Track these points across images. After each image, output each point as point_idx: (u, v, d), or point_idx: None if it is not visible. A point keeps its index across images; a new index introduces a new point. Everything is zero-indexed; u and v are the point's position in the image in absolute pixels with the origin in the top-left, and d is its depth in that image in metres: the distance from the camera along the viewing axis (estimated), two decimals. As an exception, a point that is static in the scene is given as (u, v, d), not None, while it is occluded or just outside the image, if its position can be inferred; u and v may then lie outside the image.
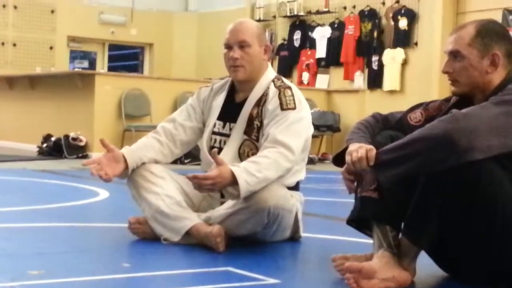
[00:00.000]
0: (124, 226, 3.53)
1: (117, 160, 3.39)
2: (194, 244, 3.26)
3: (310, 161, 9.66)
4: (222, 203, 3.41)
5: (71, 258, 3.04)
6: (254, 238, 3.31)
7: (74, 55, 16.35)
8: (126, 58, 17.55)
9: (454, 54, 2.67)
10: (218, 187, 3.15)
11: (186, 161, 8.95)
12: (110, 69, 15.99)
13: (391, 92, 13.10)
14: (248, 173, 3.10)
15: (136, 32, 16.30)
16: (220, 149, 3.45)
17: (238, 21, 3.56)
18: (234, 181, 3.10)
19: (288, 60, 14.54)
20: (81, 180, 6.77)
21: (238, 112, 3.46)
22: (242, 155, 3.39)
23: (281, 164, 3.21)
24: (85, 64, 16.48)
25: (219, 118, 3.53)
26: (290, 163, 3.26)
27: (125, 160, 3.40)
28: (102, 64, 16.38)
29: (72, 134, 10.49)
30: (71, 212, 4.65)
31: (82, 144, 10.52)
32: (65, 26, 15.22)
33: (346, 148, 2.65)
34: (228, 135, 3.47)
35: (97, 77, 10.70)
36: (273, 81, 3.47)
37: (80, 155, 10.44)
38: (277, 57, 14.43)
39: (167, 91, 11.16)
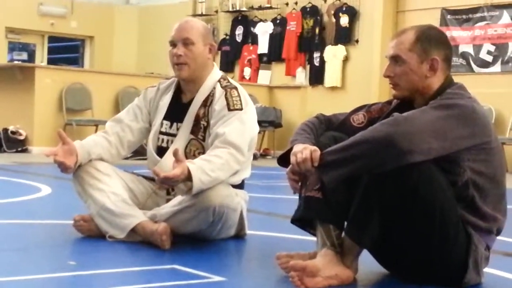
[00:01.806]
0: (68, 223, 3.52)
1: (71, 152, 3.38)
2: (139, 241, 3.28)
3: (252, 157, 9.69)
4: (167, 200, 3.45)
5: (14, 257, 3.02)
6: (199, 235, 3.35)
7: (12, 47, 16.08)
8: (66, 51, 17.33)
9: (394, 59, 2.75)
10: (178, 183, 3.18)
11: (129, 155, 8.93)
12: (50, 61, 15.77)
13: (333, 88, 13.27)
14: (203, 171, 3.14)
15: (76, 25, 16.12)
16: (166, 148, 3.49)
17: (184, 19, 3.60)
18: (187, 177, 3.13)
19: (230, 55, 14.59)
20: (22, 175, 6.70)
21: (185, 112, 3.49)
22: (188, 154, 3.43)
23: (231, 166, 3.27)
24: (24, 56, 16.23)
25: (166, 118, 3.55)
26: (240, 165, 3.32)
27: (77, 155, 3.40)
28: (41, 56, 16.16)
29: (11, 128, 10.35)
30: (12, 208, 4.61)
31: (21, 138, 10.39)
32: (3, 17, 14.98)
33: (291, 149, 2.70)
34: (175, 135, 3.51)
35: (37, 70, 10.59)
36: (219, 81, 3.51)
37: (19, 149, 10.32)
38: (219, 52, 14.44)
39: (108, 85, 11.10)
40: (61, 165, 3.33)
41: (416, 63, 2.72)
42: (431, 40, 2.73)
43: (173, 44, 3.48)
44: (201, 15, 15.19)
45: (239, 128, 3.34)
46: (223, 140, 3.30)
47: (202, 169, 3.15)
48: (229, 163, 3.25)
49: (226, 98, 3.41)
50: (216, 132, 3.33)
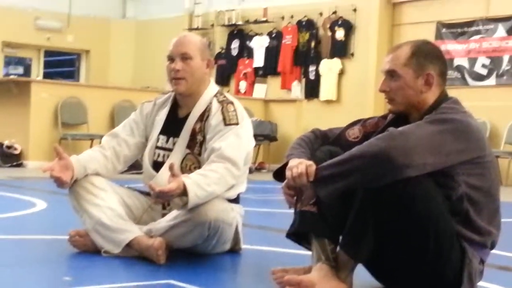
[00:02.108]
0: (64, 238, 3.52)
1: (67, 167, 3.38)
2: (134, 256, 3.28)
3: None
4: (163, 215, 3.45)
5: (9, 272, 3.01)
6: (195, 250, 3.35)
7: (8, 61, 16.09)
8: (62, 65, 17.35)
9: (390, 74, 2.76)
10: (173, 198, 3.17)
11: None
12: (46, 75, 15.79)
13: (328, 102, 13.30)
14: (198, 186, 3.15)
15: (72, 39, 16.14)
16: (163, 163, 3.49)
17: (182, 34, 3.63)
18: (183, 192, 3.13)
19: (225, 69, 14.62)
20: (17, 189, 6.70)
21: (181, 127, 3.50)
22: (184, 169, 3.43)
23: (227, 181, 3.28)
24: (20, 70, 16.24)
25: (162, 133, 3.56)
26: (235, 180, 3.33)
27: (73, 169, 3.40)
28: (37, 71, 16.17)
29: (6, 142, 10.34)
30: (7, 223, 4.59)
31: (16, 152, 10.39)
32: (0, 31, 14.98)
33: (286, 163, 2.71)
34: (171, 150, 3.51)
35: (33, 85, 10.60)
36: (215, 95, 3.52)
37: (14, 163, 10.30)
38: (215, 65, 14.48)
39: (104, 99, 11.11)
40: (57, 180, 3.33)
41: (412, 78, 2.73)
42: (426, 55, 2.74)
43: (171, 58, 3.50)
44: (197, 29, 15.23)
45: (235, 143, 3.35)
46: (219, 154, 3.30)
47: (197, 183, 3.15)
48: (224, 178, 3.26)
49: (223, 113, 3.42)
50: (212, 147, 3.34)
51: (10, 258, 3.36)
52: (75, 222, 3.54)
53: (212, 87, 3.57)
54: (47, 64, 16.63)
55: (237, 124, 3.40)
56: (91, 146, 10.41)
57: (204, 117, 3.48)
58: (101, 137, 9.97)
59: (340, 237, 2.70)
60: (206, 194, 3.17)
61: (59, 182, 3.34)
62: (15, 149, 10.38)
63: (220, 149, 3.31)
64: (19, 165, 10.32)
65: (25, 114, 10.44)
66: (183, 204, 3.18)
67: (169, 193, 3.09)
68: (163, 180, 3.38)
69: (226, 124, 3.39)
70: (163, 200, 3.25)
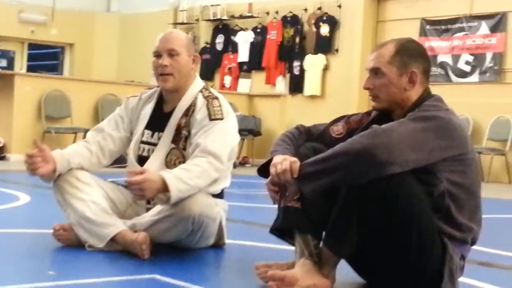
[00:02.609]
0: (48, 232, 3.53)
1: (47, 160, 3.38)
2: (119, 250, 3.29)
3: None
4: (148, 209, 3.46)
5: (-6, 266, 3.01)
6: (178, 244, 3.37)
7: (-8, 53, 16.03)
8: (46, 58, 17.29)
9: (374, 71, 2.79)
10: (148, 192, 3.18)
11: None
12: (29, 68, 15.73)
13: (312, 97, 13.33)
14: (180, 180, 3.17)
15: (56, 32, 16.09)
16: (147, 157, 3.51)
17: (168, 30, 3.66)
18: (165, 187, 3.15)
19: (210, 63, 14.62)
20: (0, 183, 6.66)
21: (166, 122, 3.52)
22: (169, 163, 3.45)
23: (210, 174, 3.29)
24: (3, 63, 16.17)
25: (147, 128, 3.58)
26: (218, 173, 3.34)
27: (55, 163, 3.40)
28: (21, 63, 16.10)
29: (-11, 135, 10.30)
30: (-9, 217, 4.58)
31: (0, 145, 10.33)
32: (-17, 24, 14.92)
33: (271, 160, 2.73)
34: (156, 144, 3.53)
35: (16, 78, 10.55)
36: (201, 91, 3.54)
37: (-2, 156, 10.26)
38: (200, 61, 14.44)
39: (88, 93, 11.08)
40: (32, 171, 3.32)
41: (396, 75, 2.75)
42: (410, 54, 2.77)
43: (158, 54, 3.51)
44: (182, 23, 15.22)
45: (219, 138, 3.37)
46: (202, 149, 3.32)
47: (179, 177, 3.17)
48: (207, 171, 3.28)
49: (208, 108, 3.44)
50: (196, 142, 3.36)
51: (-6, 252, 3.35)
52: (59, 216, 3.54)
53: (198, 83, 3.59)
54: (30, 57, 16.56)
55: (222, 119, 3.42)
56: (74, 140, 10.39)
57: (189, 112, 3.50)
58: (85, 130, 10.02)
59: (323, 233, 2.72)
60: (188, 187, 3.19)
61: (31, 168, 3.33)
62: (-2, 142, 10.34)
63: (203, 144, 3.33)
64: (2, 158, 10.28)
65: (8, 107, 10.39)
66: (166, 199, 3.20)
67: (134, 184, 3.10)
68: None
69: (211, 119, 3.41)
70: (139, 195, 3.23)
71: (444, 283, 2.66)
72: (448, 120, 2.67)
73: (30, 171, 3.35)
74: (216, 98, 3.51)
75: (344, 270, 2.84)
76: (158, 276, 2.87)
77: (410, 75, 2.75)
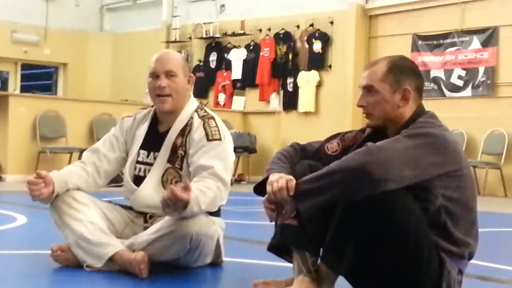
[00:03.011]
0: (45, 253, 3.53)
1: (47, 183, 3.40)
2: (117, 270, 3.30)
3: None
4: (145, 228, 3.47)
5: (-7, 288, 3.02)
6: (177, 263, 3.38)
7: (-15, 74, 16.04)
8: (39, 78, 17.31)
9: (367, 89, 2.82)
10: (179, 212, 3.14)
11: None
12: (23, 88, 15.73)
13: (306, 113, 13.37)
14: (197, 203, 3.15)
15: (49, 52, 16.12)
16: (144, 177, 3.53)
17: (164, 51, 3.69)
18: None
19: (204, 81, 14.65)
20: (-3, 204, 6.65)
21: (162, 142, 3.54)
22: (165, 183, 3.47)
23: (217, 202, 3.33)
24: (-3, 83, 16.19)
25: (142, 148, 3.60)
26: (224, 201, 3.38)
27: (53, 184, 3.42)
28: (14, 84, 16.11)
29: (-16, 156, 10.29)
30: (-12, 238, 4.58)
31: (-5, 166, 10.34)
32: (-23, 45, 14.94)
33: (267, 178, 2.75)
34: (151, 164, 3.55)
35: (11, 99, 10.56)
36: (196, 111, 3.57)
37: (-7, 177, 10.25)
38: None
39: (83, 113, 11.09)
40: (34, 191, 3.33)
41: (389, 93, 2.78)
42: (402, 71, 2.80)
43: (155, 75, 3.53)
44: (175, 41, 15.27)
45: (223, 162, 3.40)
46: (212, 172, 3.34)
47: (197, 200, 3.16)
48: (216, 198, 3.31)
49: (205, 128, 3.47)
50: (200, 164, 3.37)
51: (-8, 273, 3.36)
52: (57, 237, 3.55)
53: (192, 102, 3.61)
54: (24, 78, 16.58)
55: (220, 139, 3.45)
56: (70, 159, 10.40)
57: (185, 132, 3.52)
58: (80, 150, 10.03)
59: (321, 250, 2.74)
60: (199, 211, 3.21)
61: (36, 193, 3.35)
62: (-7, 163, 10.33)
63: (212, 168, 3.34)
64: (-2, 179, 10.28)
65: (3, 128, 10.40)
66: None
67: (178, 200, 3.05)
68: (143, 194, 3.44)
69: (209, 140, 3.43)
70: (172, 209, 3.14)
71: (442, 298, 2.68)
72: (442, 137, 2.69)
73: (33, 196, 3.37)
74: (212, 118, 3.54)
75: (342, 286, 2.85)
76: (156, 296, 2.89)
77: (403, 92, 2.78)
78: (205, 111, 3.59)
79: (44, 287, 3.08)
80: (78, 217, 3.41)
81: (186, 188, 3.08)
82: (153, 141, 3.57)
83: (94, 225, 3.40)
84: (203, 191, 3.24)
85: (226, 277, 3.51)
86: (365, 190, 2.52)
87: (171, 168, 3.50)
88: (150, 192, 3.46)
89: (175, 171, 3.50)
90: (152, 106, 3.66)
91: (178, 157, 3.50)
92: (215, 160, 3.37)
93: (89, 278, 3.23)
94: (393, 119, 2.80)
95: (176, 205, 3.07)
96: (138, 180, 3.56)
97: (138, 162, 3.60)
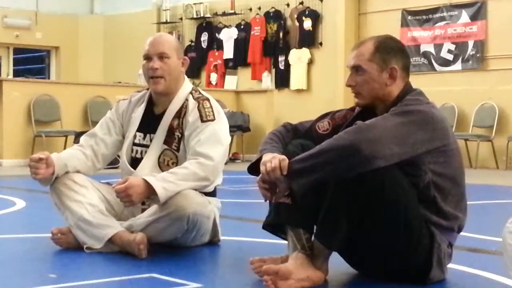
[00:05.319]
0: (46, 236, 3.59)
1: (49, 164, 3.47)
2: (117, 251, 3.37)
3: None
4: (143, 210, 3.53)
5: (-5, 271, 3.08)
6: (175, 243, 3.46)
7: (-23, 59, 16.02)
8: (31, 62, 17.30)
9: (356, 69, 2.88)
10: (135, 198, 3.30)
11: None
12: (15, 73, 15.73)
13: (298, 91, 13.42)
14: (164, 180, 3.30)
15: (41, 35, 16.11)
16: (141, 159, 3.60)
17: (158, 34, 3.77)
18: (151, 190, 3.27)
19: (196, 61, 14.65)
20: (-6, 189, 6.70)
21: (158, 124, 3.60)
22: (161, 164, 3.54)
23: (197, 173, 3.39)
24: (-11, 69, 16.17)
25: (139, 130, 3.66)
26: (208, 172, 3.43)
27: (54, 166, 3.49)
28: (7, 68, 16.10)
29: (-20, 142, 10.32)
30: (-12, 223, 4.63)
31: (-9, 151, 10.38)
32: (-33, 30, 14.91)
33: (260, 158, 2.81)
34: (148, 146, 3.61)
35: (4, 84, 10.57)
36: (191, 93, 3.63)
37: (-11, 162, 10.29)
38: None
39: (77, 96, 11.12)
40: (35, 169, 3.42)
41: (376, 72, 2.85)
42: (389, 50, 2.87)
43: (148, 58, 3.58)
44: (166, 22, 15.27)
45: (210, 138, 3.46)
46: (193, 152, 3.45)
47: (163, 178, 3.30)
48: (194, 171, 3.38)
49: (199, 110, 3.54)
50: (195, 150, 3.45)
51: (-5, 257, 3.42)
52: (56, 220, 3.61)
53: (187, 84, 3.67)
54: (16, 62, 16.56)
55: (213, 120, 3.52)
56: (65, 143, 10.45)
57: (181, 114, 3.58)
58: (75, 133, 10.08)
59: (314, 226, 2.82)
60: (174, 185, 3.30)
61: (37, 177, 3.44)
62: (-11, 148, 10.37)
63: (194, 147, 3.45)
64: (-7, 163, 10.34)
65: (-3, 113, 10.44)
66: (158, 199, 3.29)
67: (120, 192, 3.27)
68: (140, 176, 3.50)
69: (203, 121, 3.51)
70: (126, 201, 3.33)
71: (432, 271, 2.76)
72: (430, 113, 2.76)
73: (33, 174, 3.44)
74: (207, 99, 3.60)
75: (337, 262, 2.93)
76: (156, 275, 2.96)
77: (391, 71, 2.85)
78: (200, 93, 3.64)
79: (46, 270, 3.14)
80: (77, 199, 3.47)
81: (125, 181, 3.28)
82: (149, 123, 3.63)
83: (93, 207, 3.47)
84: (172, 171, 3.38)
85: (223, 255, 3.58)
86: (356, 168, 2.59)
87: (167, 149, 3.57)
88: (147, 173, 3.51)
89: (172, 153, 3.56)
90: (148, 89, 3.72)
91: (175, 139, 3.57)
92: (201, 139, 3.45)
93: (90, 260, 3.30)
94: (381, 97, 2.87)
95: (129, 197, 3.27)
96: (135, 162, 3.63)
97: (134, 144, 3.66)
